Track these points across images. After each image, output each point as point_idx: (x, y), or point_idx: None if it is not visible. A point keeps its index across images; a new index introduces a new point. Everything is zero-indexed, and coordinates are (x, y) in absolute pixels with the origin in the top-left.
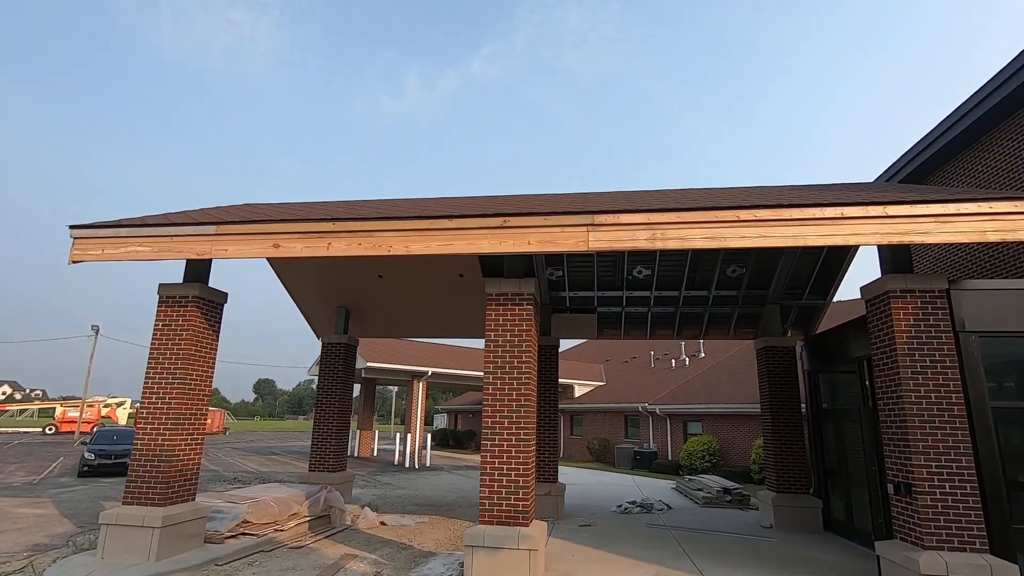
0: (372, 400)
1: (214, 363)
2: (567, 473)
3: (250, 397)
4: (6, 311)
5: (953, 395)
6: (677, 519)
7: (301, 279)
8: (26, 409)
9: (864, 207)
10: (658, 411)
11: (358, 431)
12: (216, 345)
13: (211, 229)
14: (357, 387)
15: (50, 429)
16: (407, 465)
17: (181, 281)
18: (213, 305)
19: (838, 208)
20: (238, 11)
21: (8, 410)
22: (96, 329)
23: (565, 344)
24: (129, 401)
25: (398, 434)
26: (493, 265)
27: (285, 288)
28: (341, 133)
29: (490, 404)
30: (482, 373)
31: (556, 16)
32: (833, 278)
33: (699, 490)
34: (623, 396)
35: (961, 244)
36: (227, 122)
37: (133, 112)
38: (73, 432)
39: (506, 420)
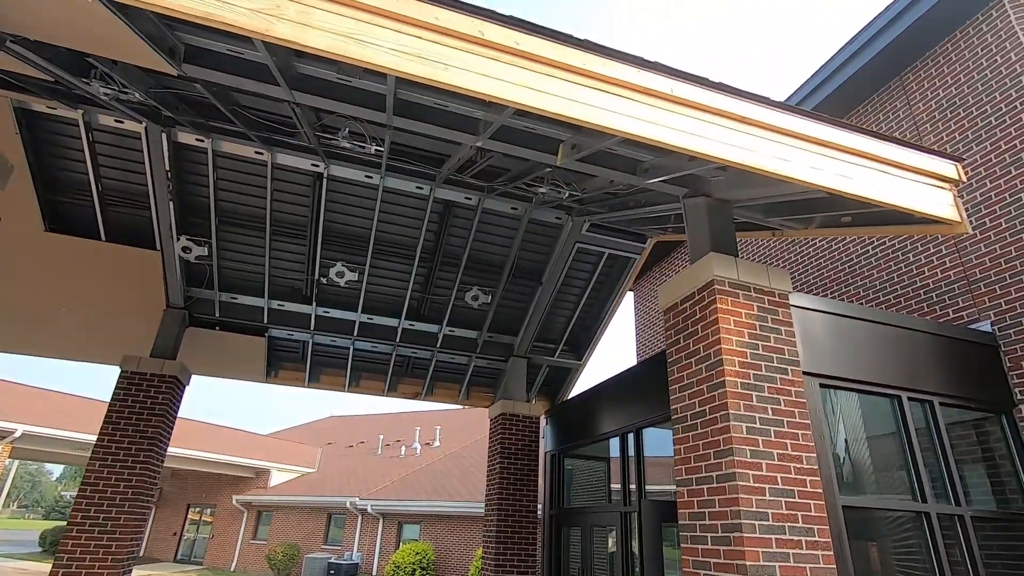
0: None
1: None
2: None
3: None
4: None
5: (810, 474)
6: None
7: None
8: None
9: (725, 95)
10: (370, 508)
11: None
12: None
13: None
14: None
15: None
16: None
17: None
18: None
19: (668, 80)
20: None
21: None
22: None
23: (277, 422)
24: None
25: None
26: None
27: None
28: None
29: None
30: None
31: None
32: (593, 333)
33: None
34: (332, 487)
35: None
36: None
37: None
38: None
39: None
